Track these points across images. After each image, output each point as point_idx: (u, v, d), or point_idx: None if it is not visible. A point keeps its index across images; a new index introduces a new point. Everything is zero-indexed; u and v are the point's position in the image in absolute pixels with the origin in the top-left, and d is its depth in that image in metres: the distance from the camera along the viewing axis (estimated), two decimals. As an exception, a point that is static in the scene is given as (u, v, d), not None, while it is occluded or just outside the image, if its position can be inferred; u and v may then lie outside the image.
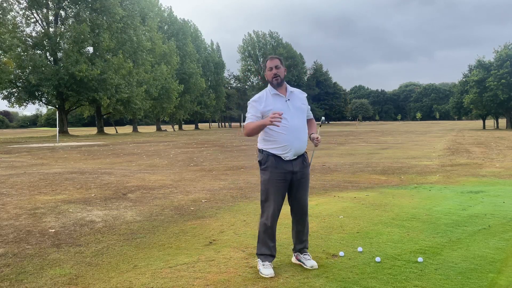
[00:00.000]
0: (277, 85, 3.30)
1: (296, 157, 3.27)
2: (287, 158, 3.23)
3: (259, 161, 3.35)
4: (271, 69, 3.30)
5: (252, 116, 3.25)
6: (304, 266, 3.29)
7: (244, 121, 3.43)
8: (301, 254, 3.37)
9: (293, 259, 3.44)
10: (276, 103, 3.25)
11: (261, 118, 3.24)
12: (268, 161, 3.25)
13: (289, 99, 3.31)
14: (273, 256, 3.31)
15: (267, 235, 3.28)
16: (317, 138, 3.38)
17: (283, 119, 3.15)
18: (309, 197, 6.32)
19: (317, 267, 3.27)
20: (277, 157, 3.23)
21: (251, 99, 3.34)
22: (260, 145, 3.33)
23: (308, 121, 3.50)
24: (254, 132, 3.19)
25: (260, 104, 3.26)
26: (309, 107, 3.54)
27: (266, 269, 3.18)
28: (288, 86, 3.40)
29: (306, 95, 3.50)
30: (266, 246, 3.28)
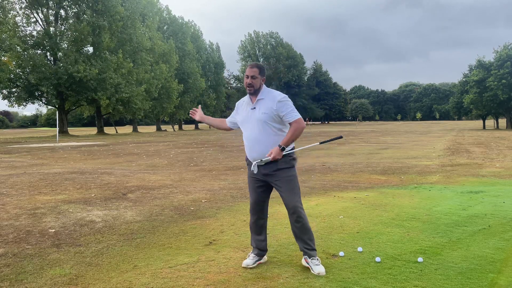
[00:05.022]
0: (250, 94, 3.39)
1: (263, 164, 3.34)
2: (254, 163, 3.41)
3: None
4: (247, 77, 3.33)
5: (231, 115, 3.68)
6: (311, 271, 3.23)
7: None
8: (309, 258, 3.28)
9: (303, 261, 3.38)
10: (242, 111, 3.47)
11: (236, 120, 3.60)
12: (247, 160, 3.54)
13: (254, 108, 3.35)
14: (259, 249, 3.44)
15: (251, 228, 3.54)
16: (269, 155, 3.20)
17: (243, 130, 3.46)
18: (309, 197, 6.33)
19: (324, 273, 3.16)
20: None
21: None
22: None
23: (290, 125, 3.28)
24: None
25: (237, 107, 3.58)
26: (290, 109, 3.22)
27: (246, 259, 3.43)
28: (263, 91, 3.33)
29: (279, 98, 3.25)
30: (252, 237, 3.55)
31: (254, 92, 3.35)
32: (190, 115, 3.67)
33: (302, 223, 3.31)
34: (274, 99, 3.27)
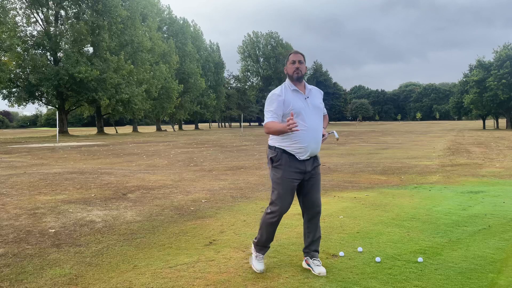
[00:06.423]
0: (297, 80, 3.19)
1: (309, 157, 3.24)
2: (301, 158, 3.16)
3: (270, 158, 3.22)
4: (294, 62, 3.20)
5: (273, 114, 3.11)
6: (312, 272, 3.22)
7: (264, 120, 3.22)
8: (311, 259, 3.27)
9: (304, 264, 3.34)
10: (295, 100, 3.14)
11: (281, 115, 3.12)
12: (282, 158, 3.16)
13: (308, 97, 3.23)
14: (268, 248, 3.40)
15: (271, 229, 3.27)
16: (324, 136, 3.35)
17: (301, 119, 3.10)
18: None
19: (325, 273, 3.15)
20: (291, 156, 3.15)
21: (272, 92, 3.20)
22: (273, 142, 3.22)
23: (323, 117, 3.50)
24: (274, 134, 3.12)
25: (281, 97, 3.13)
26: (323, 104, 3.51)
27: (259, 264, 3.26)
28: (306, 84, 3.32)
29: (323, 93, 3.47)
30: (268, 238, 3.29)
31: (301, 78, 3.22)
32: (290, 128, 2.87)
33: (319, 224, 3.41)
34: (320, 93, 3.43)
